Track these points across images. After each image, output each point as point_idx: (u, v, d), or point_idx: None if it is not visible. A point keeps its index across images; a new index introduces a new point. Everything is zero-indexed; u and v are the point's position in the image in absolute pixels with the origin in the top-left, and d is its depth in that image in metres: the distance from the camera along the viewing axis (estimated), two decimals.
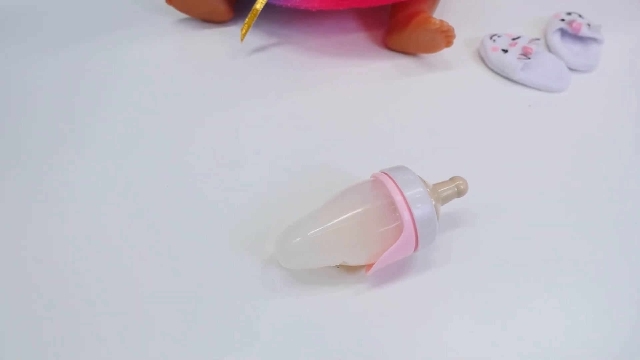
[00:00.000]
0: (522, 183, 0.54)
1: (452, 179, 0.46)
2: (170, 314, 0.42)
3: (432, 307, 0.44)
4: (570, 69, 0.67)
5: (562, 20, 0.71)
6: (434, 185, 0.45)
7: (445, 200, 0.45)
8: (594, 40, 0.70)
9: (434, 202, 0.42)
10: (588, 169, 0.56)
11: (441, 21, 0.60)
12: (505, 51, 0.66)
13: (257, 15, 0.63)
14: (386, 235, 0.42)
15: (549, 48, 0.71)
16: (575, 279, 0.47)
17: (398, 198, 0.41)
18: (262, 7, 0.62)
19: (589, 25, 0.70)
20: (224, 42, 0.68)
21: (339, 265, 0.45)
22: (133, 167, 0.53)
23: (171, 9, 0.71)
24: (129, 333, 0.41)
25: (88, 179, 0.52)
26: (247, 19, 0.63)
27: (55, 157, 0.54)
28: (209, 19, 0.71)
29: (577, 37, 0.70)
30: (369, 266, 0.44)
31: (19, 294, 0.43)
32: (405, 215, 0.41)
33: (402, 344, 0.42)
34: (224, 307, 0.43)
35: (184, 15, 0.71)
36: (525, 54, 0.65)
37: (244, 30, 0.64)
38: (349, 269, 0.46)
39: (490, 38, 0.68)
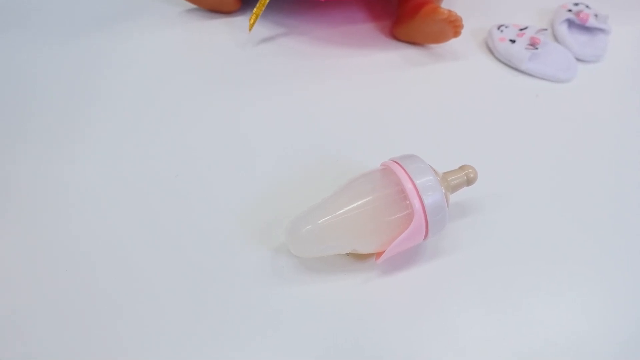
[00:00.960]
0: (530, 172, 0.54)
1: (462, 168, 0.46)
2: (181, 302, 0.43)
3: (441, 295, 0.44)
4: (578, 59, 0.67)
5: (570, 10, 0.71)
6: (443, 173, 0.45)
7: (455, 188, 0.45)
8: (601, 30, 0.69)
9: (444, 191, 0.42)
10: (595, 158, 0.56)
11: (449, 11, 0.60)
12: (513, 41, 0.66)
13: (265, 5, 0.63)
14: (396, 223, 0.42)
15: (556, 38, 0.71)
16: (583, 267, 0.47)
17: (409, 186, 0.41)
18: None
19: (596, 15, 0.70)
20: (232, 32, 0.68)
21: (349, 253, 0.46)
22: (141, 157, 0.53)
23: None
24: (138, 323, 0.42)
25: (96, 169, 0.52)
26: (255, 9, 0.63)
27: (63, 147, 0.54)
28: (217, 9, 0.71)
29: (584, 28, 0.70)
30: (378, 254, 0.44)
31: (28, 290, 0.43)
32: (416, 204, 0.41)
33: (411, 331, 0.42)
34: (234, 295, 0.43)
35: (191, 6, 0.71)
36: (533, 44, 0.65)
37: (252, 20, 0.64)
38: (359, 257, 0.46)
39: (498, 28, 0.68)
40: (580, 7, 0.71)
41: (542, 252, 0.48)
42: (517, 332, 0.42)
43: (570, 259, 0.47)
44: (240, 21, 0.70)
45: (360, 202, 0.43)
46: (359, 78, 0.63)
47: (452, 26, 0.62)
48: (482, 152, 0.55)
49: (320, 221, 0.43)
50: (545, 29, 0.67)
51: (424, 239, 0.43)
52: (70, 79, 0.61)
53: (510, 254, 0.47)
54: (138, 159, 0.53)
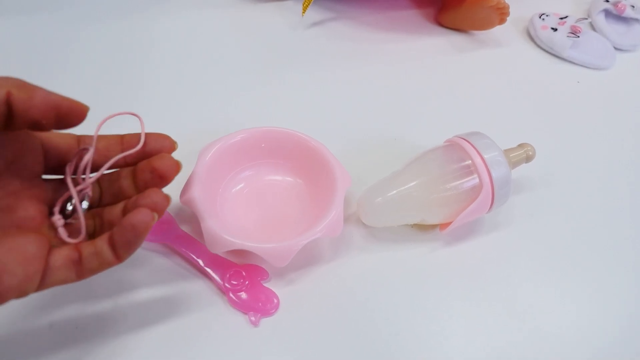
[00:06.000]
0: (574, 154, 0.57)
1: (521, 145, 0.49)
2: None
3: (501, 264, 0.47)
4: (615, 48, 0.70)
5: (607, 1, 0.73)
6: (504, 150, 0.48)
7: (515, 165, 0.48)
8: (637, 20, 0.72)
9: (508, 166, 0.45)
10: (636, 142, 0.59)
11: None
12: (555, 30, 0.68)
13: None
14: (462, 196, 0.45)
15: (593, 27, 0.73)
16: (633, 249, 0.50)
17: (478, 160, 0.44)
18: None
19: (632, 6, 0.72)
20: (283, 15, 0.70)
21: (414, 224, 0.48)
22: (193, 138, 0.55)
23: None
24: None
25: None
26: None
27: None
28: None
29: (620, 18, 0.73)
30: (442, 225, 0.47)
31: None
32: (485, 177, 0.44)
33: (474, 298, 0.45)
34: (304, 259, 0.45)
35: None
36: (574, 33, 0.67)
37: (306, 4, 0.66)
38: (423, 228, 0.49)
39: (540, 17, 0.71)
40: None
41: (588, 228, 0.51)
42: (574, 303, 0.45)
43: (619, 237, 0.50)
44: (290, 5, 0.72)
45: (428, 176, 0.45)
46: (408, 62, 0.65)
47: (499, 13, 0.64)
48: (527, 134, 0.57)
49: (390, 193, 0.45)
50: (585, 18, 0.70)
51: (487, 211, 0.46)
52: (116, 57, 0.62)
53: (560, 229, 0.50)
54: (189, 139, 0.54)
